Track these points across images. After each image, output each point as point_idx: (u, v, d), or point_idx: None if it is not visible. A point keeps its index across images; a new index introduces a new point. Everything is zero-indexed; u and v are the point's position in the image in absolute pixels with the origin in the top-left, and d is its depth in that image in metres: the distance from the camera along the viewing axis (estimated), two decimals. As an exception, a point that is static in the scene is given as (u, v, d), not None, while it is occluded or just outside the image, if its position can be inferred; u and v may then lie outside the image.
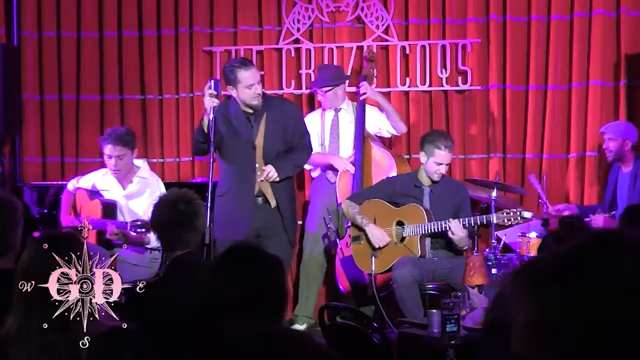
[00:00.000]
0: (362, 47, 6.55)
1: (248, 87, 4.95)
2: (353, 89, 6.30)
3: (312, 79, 6.42)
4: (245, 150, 5.03)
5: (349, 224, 5.82)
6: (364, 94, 5.97)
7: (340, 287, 5.91)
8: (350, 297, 5.81)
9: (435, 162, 5.30)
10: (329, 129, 6.07)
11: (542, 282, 1.25)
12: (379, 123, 6.06)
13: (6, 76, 6.29)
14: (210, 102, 4.81)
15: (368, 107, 6.08)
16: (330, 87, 6.03)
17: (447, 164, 5.36)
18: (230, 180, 5.07)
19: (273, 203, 5.08)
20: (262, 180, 5.01)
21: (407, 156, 6.46)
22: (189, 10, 6.76)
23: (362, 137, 5.93)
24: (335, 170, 5.95)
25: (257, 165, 5.04)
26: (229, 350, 1.47)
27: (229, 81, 5.03)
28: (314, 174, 6.15)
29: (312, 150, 5.43)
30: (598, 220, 5.65)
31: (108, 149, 5.50)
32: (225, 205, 4.99)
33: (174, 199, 3.56)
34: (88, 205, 5.58)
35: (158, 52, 6.82)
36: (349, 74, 6.39)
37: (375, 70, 6.21)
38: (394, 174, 5.84)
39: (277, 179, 5.00)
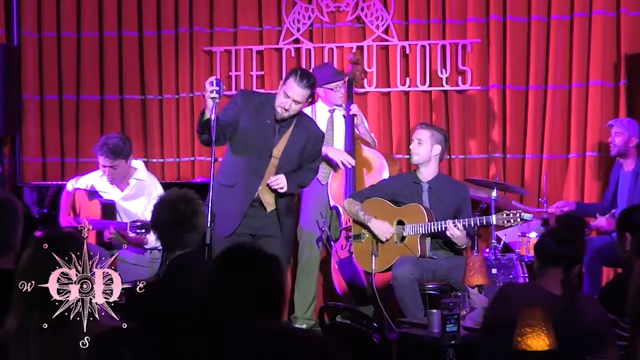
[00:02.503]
0: (362, 47, 6.56)
1: (284, 95, 4.88)
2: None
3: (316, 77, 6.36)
4: (261, 153, 4.97)
5: (344, 227, 5.82)
6: (354, 114, 5.95)
7: (337, 289, 5.91)
8: (348, 298, 5.80)
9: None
10: (324, 129, 6.04)
11: None
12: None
13: (6, 76, 6.29)
14: (211, 102, 4.76)
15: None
16: (340, 83, 6.01)
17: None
18: (238, 175, 5.01)
19: (269, 208, 5.04)
20: (267, 185, 4.97)
21: (409, 157, 6.46)
22: (189, 10, 6.76)
23: (352, 140, 5.91)
24: (326, 170, 5.93)
25: (266, 172, 5.00)
26: (243, 349, 1.48)
27: (284, 77, 5.03)
28: None
29: (317, 174, 5.41)
30: (601, 221, 5.67)
31: (101, 160, 5.50)
32: (225, 197, 4.95)
33: (174, 199, 3.55)
34: (87, 206, 5.58)
35: (158, 52, 6.82)
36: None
37: (359, 72, 6.17)
38: (385, 173, 5.85)
39: (283, 191, 4.96)
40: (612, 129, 5.87)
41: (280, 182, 4.93)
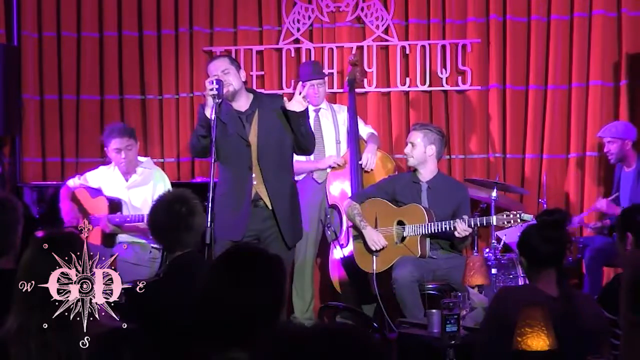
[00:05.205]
0: (362, 47, 6.56)
1: (212, 76, 4.80)
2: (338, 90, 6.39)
3: (297, 76, 6.35)
4: (239, 148, 4.89)
5: (348, 225, 5.82)
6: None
7: (339, 288, 5.90)
8: (350, 297, 5.80)
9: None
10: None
11: None
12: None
13: (6, 76, 6.29)
14: (211, 101, 4.74)
15: (341, 108, 6.14)
16: (323, 80, 6.03)
17: None
18: (228, 181, 4.97)
19: (270, 205, 4.97)
20: (255, 184, 4.91)
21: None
22: (189, 10, 6.76)
23: (357, 139, 5.91)
24: (321, 169, 5.93)
25: (252, 164, 4.94)
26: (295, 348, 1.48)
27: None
28: (298, 178, 6.12)
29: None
30: (602, 204, 5.71)
31: (116, 143, 5.56)
32: (223, 206, 4.92)
33: (170, 200, 3.54)
34: (90, 203, 5.59)
35: (158, 52, 6.82)
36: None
37: (359, 74, 6.18)
38: (390, 173, 5.85)
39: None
40: (604, 139, 5.89)
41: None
